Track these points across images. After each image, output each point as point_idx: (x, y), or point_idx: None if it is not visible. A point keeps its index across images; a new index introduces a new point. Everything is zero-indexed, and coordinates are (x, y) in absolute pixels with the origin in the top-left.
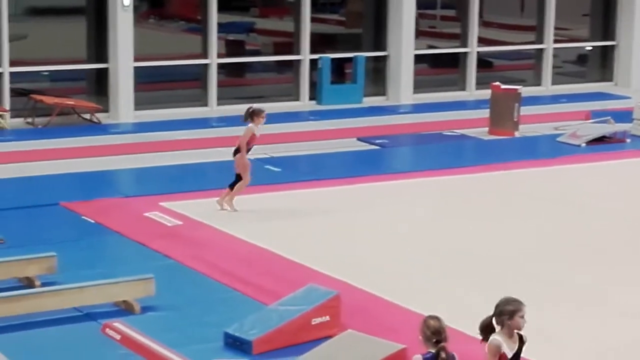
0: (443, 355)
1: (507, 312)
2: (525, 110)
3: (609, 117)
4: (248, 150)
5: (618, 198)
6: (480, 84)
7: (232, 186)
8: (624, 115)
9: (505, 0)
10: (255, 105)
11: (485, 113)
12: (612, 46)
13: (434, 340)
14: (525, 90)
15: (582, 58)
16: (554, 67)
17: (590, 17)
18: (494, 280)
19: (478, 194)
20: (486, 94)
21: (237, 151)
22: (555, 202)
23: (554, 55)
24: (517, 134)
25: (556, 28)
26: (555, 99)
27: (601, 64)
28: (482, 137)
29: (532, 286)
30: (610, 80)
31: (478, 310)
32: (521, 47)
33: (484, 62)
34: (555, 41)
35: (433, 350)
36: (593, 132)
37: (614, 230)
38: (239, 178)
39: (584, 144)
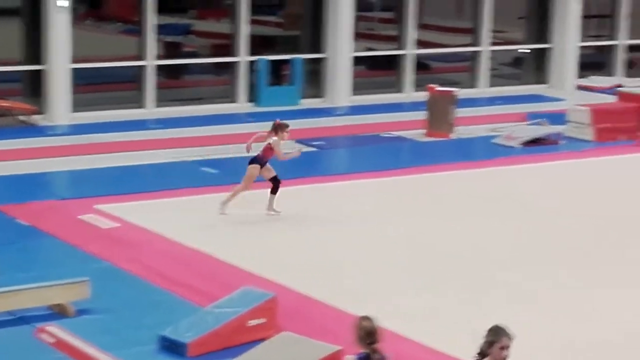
0: (376, 356)
1: (488, 342)
2: (461, 112)
3: (544, 119)
4: (263, 163)
5: (552, 198)
6: (418, 86)
7: (273, 191)
8: (558, 117)
9: (443, 3)
10: (280, 120)
11: (422, 115)
12: (547, 49)
13: (367, 341)
14: (462, 93)
15: (517, 60)
16: (490, 69)
17: (526, 20)
18: (430, 280)
19: (415, 195)
20: (423, 96)
21: (251, 161)
22: (491, 202)
23: (490, 58)
24: (453, 136)
25: (492, 31)
26: (491, 101)
27: (536, 66)
28: (418, 139)
29: (468, 284)
30: (545, 82)
31: (409, 310)
32: (458, 49)
33: (421, 65)
34: (492, 44)
35: (366, 351)
36: (528, 134)
37: (545, 229)
38: (275, 181)
39: (519, 146)
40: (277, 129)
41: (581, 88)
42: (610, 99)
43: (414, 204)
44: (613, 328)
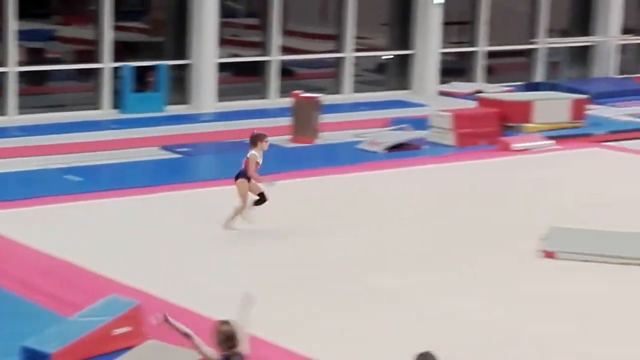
0: (236, 358)
1: None
2: (326, 118)
3: (407, 125)
4: (249, 178)
5: (415, 202)
6: (283, 92)
7: (257, 203)
8: (421, 123)
9: (307, 9)
10: (257, 131)
11: (287, 121)
12: (409, 55)
13: (227, 345)
14: (326, 99)
15: (381, 67)
16: (354, 75)
17: (389, 26)
18: (299, 286)
19: (279, 200)
20: (288, 102)
21: (238, 176)
22: (355, 207)
23: (354, 64)
24: (318, 142)
25: (356, 37)
26: (355, 106)
27: (399, 72)
28: (284, 145)
29: (338, 290)
30: (408, 88)
31: (270, 314)
32: (322, 55)
33: (286, 71)
34: (355, 50)
35: (226, 354)
36: (391, 139)
37: (410, 233)
38: (262, 197)
39: (382, 151)
40: (256, 140)
41: (443, 94)
42: (471, 105)
43: (279, 210)
44: (483, 330)
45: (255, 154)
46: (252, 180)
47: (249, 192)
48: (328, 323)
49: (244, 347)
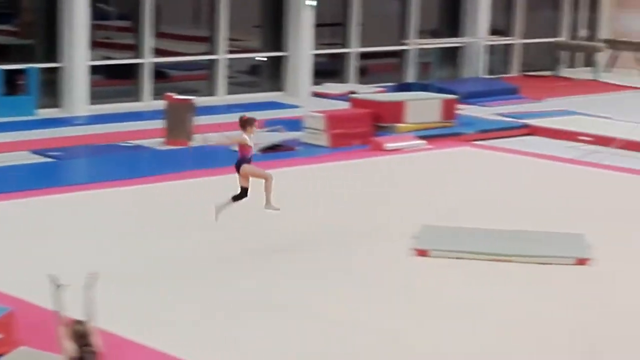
0: (89, 356)
1: None
2: (200, 120)
3: (281, 126)
4: (248, 160)
5: (289, 203)
6: (156, 94)
7: (234, 198)
8: (295, 124)
9: (179, 11)
10: (248, 114)
11: (161, 123)
12: (282, 57)
13: (80, 343)
14: (200, 101)
15: (254, 68)
16: (227, 77)
17: (261, 28)
18: (166, 291)
19: (154, 204)
20: (162, 104)
21: (238, 164)
22: (230, 211)
23: (228, 66)
24: (192, 144)
25: (229, 39)
26: (229, 108)
27: (272, 74)
28: (157, 148)
29: (208, 293)
30: (281, 89)
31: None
32: (195, 57)
33: (159, 73)
34: (228, 52)
35: (80, 353)
36: (265, 141)
37: (282, 233)
38: (243, 192)
39: (257, 152)
40: (245, 124)
41: (316, 95)
42: (344, 106)
43: (155, 213)
44: (355, 329)
45: (245, 137)
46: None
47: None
48: (182, 317)
49: (97, 345)
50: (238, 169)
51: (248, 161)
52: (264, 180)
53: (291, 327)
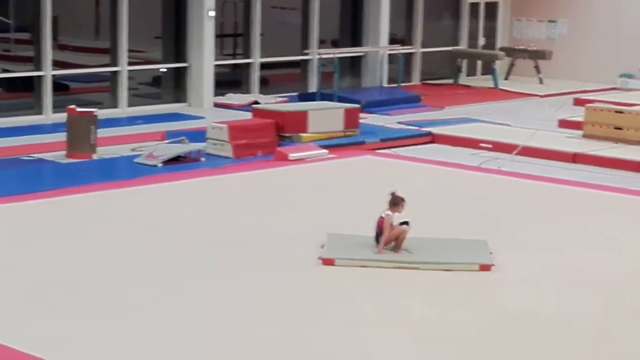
0: None
1: None
2: (102, 133)
3: (184, 137)
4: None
5: (194, 215)
6: (57, 107)
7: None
8: (198, 135)
9: (80, 23)
10: (398, 193)
11: (63, 136)
12: (185, 68)
13: None
14: (102, 113)
15: (157, 80)
16: (129, 89)
17: (163, 39)
18: (59, 306)
19: (58, 217)
20: (64, 117)
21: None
22: (132, 221)
23: (130, 78)
24: (95, 157)
25: (130, 50)
26: (132, 120)
27: (175, 85)
28: (60, 161)
29: (103, 308)
30: (184, 101)
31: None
32: (97, 69)
33: (60, 85)
34: (130, 63)
35: None
36: (169, 152)
37: (188, 245)
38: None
39: (160, 164)
40: (393, 202)
41: (219, 106)
42: (247, 116)
43: (56, 227)
44: (241, 341)
45: (391, 215)
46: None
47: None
48: (91, 340)
49: None
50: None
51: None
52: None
53: (192, 341)
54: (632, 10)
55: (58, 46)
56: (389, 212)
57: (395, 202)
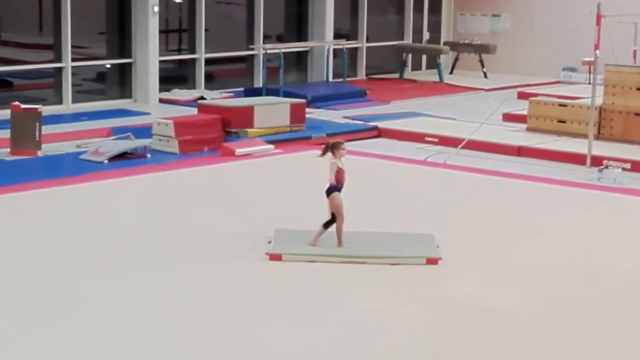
0: None
1: None
2: (47, 129)
3: (129, 134)
4: (340, 187)
5: (141, 211)
6: (1, 103)
7: (326, 225)
8: (144, 131)
9: (23, 19)
10: (333, 139)
11: (7, 133)
12: (129, 63)
13: None
14: (47, 109)
15: (101, 76)
16: (74, 85)
17: (107, 35)
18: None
19: (2, 215)
20: (7, 114)
21: (329, 191)
22: (78, 218)
23: (74, 74)
24: (40, 153)
25: (74, 46)
26: (77, 117)
27: (120, 81)
28: (4, 158)
29: (48, 306)
30: (130, 97)
31: None
32: (41, 65)
33: (3, 82)
34: (74, 59)
35: None
36: (114, 149)
37: (135, 242)
38: (334, 217)
39: (106, 161)
40: (333, 149)
41: (165, 101)
42: (193, 112)
43: (4, 227)
44: (188, 337)
45: (336, 161)
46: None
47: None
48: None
49: None
50: (328, 195)
51: (340, 189)
52: (338, 221)
53: (138, 336)
54: (575, 4)
55: (1, 42)
56: (334, 160)
57: (336, 148)
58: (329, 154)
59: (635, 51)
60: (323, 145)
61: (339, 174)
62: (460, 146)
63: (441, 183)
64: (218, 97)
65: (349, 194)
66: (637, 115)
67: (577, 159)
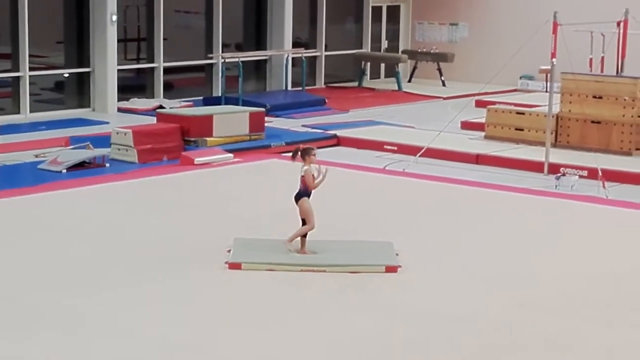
0: None
1: None
2: (5, 139)
3: (88, 143)
4: (309, 193)
5: (99, 221)
6: None
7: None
8: (103, 140)
9: None
10: (303, 145)
11: None
12: (88, 72)
13: None
14: (4, 119)
15: (59, 85)
16: (32, 94)
17: (65, 44)
18: None
19: None
20: None
21: (298, 196)
22: (38, 229)
23: (32, 83)
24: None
25: (32, 55)
26: (34, 126)
27: (78, 90)
28: None
29: (17, 317)
30: (88, 106)
31: None
32: None
33: None
34: (32, 68)
35: None
36: (73, 158)
37: (94, 252)
38: (304, 223)
39: (64, 170)
40: (304, 154)
41: (123, 110)
42: (152, 121)
43: None
44: (146, 344)
45: (309, 168)
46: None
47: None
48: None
49: None
50: (297, 201)
51: (309, 194)
52: (308, 225)
53: (97, 346)
54: (532, 13)
55: None
56: (306, 167)
57: (307, 154)
58: (300, 159)
59: (591, 59)
60: (293, 150)
61: (309, 179)
62: (418, 154)
63: (400, 191)
64: (177, 106)
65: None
66: (594, 122)
67: (535, 166)
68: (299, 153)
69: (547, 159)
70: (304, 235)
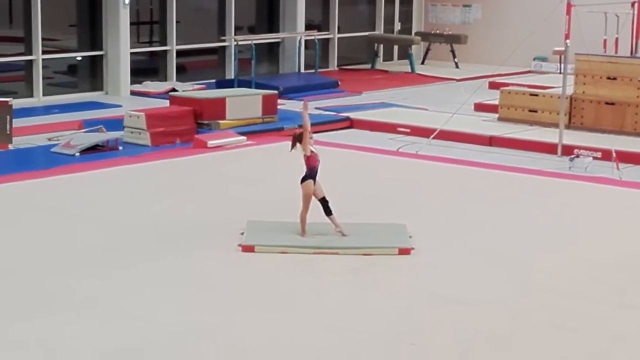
0: None
1: None
2: (18, 122)
3: (101, 126)
4: (314, 175)
5: (114, 204)
6: None
7: (327, 212)
8: (116, 124)
9: None
10: (298, 131)
11: None
12: (101, 56)
13: None
14: (18, 102)
15: (72, 68)
16: (45, 77)
17: (78, 27)
18: None
19: None
20: None
21: (302, 180)
22: (51, 212)
23: (45, 66)
24: (11, 147)
25: (45, 39)
26: (48, 109)
27: (91, 73)
28: None
29: (27, 300)
30: (101, 89)
31: None
32: (11, 58)
33: None
34: (45, 52)
35: None
36: (86, 141)
37: (108, 235)
38: (324, 201)
39: (78, 153)
40: (299, 139)
41: (136, 94)
42: (165, 104)
43: None
44: (159, 327)
45: (310, 148)
46: (317, 182)
47: (315, 196)
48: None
49: None
50: (302, 183)
51: (314, 176)
52: (302, 210)
53: (110, 329)
54: None
55: None
56: (305, 149)
57: (301, 137)
58: (298, 145)
59: (605, 40)
60: (291, 138)
61: (312, 159)
62: (432, 136)
63: (413, 173)
64: (190, 89)
65: (322, 184)
66: (608, 104)
67: (548, 148)
68: (296, 139)
69: (561, 140)
70: (330, 214)
